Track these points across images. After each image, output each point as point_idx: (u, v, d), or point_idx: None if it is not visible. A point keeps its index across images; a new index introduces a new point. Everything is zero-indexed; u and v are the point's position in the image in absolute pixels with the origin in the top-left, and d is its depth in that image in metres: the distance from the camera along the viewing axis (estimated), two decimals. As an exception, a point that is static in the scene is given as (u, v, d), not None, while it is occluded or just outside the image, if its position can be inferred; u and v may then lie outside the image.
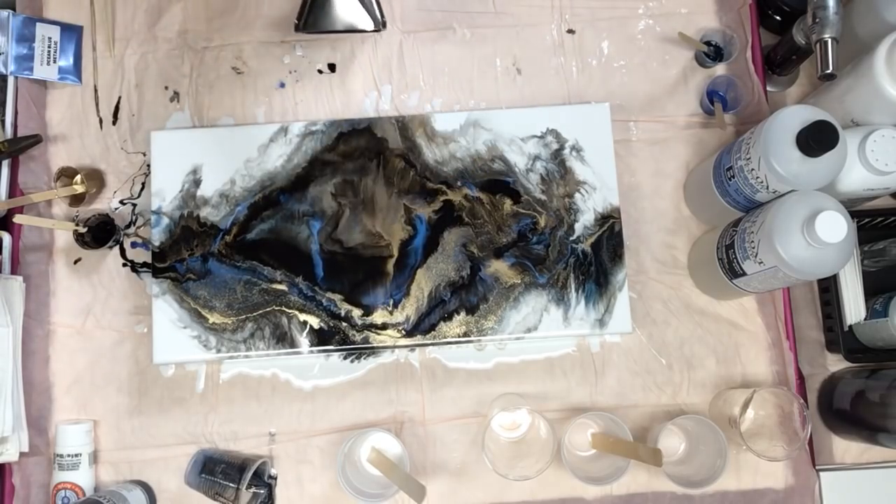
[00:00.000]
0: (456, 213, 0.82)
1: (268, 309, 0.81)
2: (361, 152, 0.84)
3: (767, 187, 0.73)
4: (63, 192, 0.84)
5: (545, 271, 0.81)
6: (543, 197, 0.83)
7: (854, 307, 0.84)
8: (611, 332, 0.82)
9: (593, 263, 0.82)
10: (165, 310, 0.80)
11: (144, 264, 0.86)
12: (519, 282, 0.81)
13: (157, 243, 0.82)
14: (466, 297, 0.81)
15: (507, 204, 0.83)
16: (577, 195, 0.83)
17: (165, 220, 0.82)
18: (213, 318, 0.80)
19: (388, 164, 0.83)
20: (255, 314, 0.81)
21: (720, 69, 0.91)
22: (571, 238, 0.82)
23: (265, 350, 0.80)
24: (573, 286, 0.81)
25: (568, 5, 0.92)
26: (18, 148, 0.86)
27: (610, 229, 0.82)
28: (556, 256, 0.82)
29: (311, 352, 0.81)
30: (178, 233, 0.82)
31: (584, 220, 0.82)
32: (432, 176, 0.83)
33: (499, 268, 0.82)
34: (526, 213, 0.82)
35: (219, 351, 0.80)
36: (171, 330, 0.80)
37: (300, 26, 0.82)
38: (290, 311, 0.81)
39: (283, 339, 0.80)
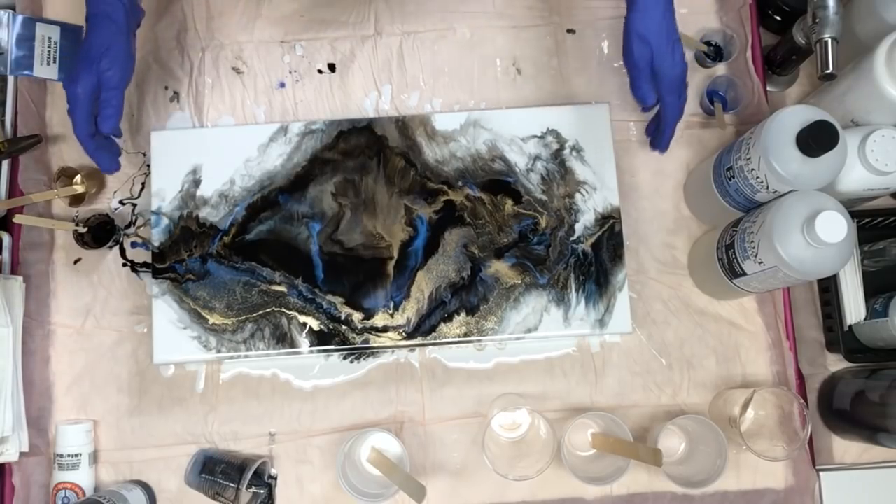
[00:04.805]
0: (457, 213, 0.82)
1: (267, 310, 0.81)
2: (361, 150, 0.84)
3: (767, 187, 0.73)
4: (63, 192, 0.84)
5: (546, 272, 0.81)
6: (544, 197, 0.83)
7: (854, 307, 0.84)
8: (611, 332, 0.82)
9: (593, 264, 0.82)
10: (165, 310, 0.80)
11: (144, 264, 0.86)
12: (519, 282, 0.81)
13: (156, 244, 0.82)
14: (467, 297, 0.81)
15: (509, 204, 0.83)
16: (577, 195, 0.83)
17: (165, 221, 0.82)
18: (213, 319, 0.80)
19: (389, 163, 0.83)
20: (254, 315, 0.81)
21: (720, 69, 0.91)
22: (572, 238, 0.82)
23: (265, 350, 0.80)
24: (573, 286, 0.81)
25: (568, 5, 0.92)
26: (18, 148, 0.86)
27: (610, 229, 0.82)
28: (557, 257, 0.82)
29: (311, 352, 0.81)
30: (178, 233, 0.82)
31: (585, 220, 0.82)
32: (433, 175, 0.83)
33: (499, 268, 0.81)
34: (527, 214, 0.82)
35: (219, 351, 0.80)
36: (171, 330, 0.80)
37: None
38: (289, 312, 0.80)
39: (283, 340, 0.80)
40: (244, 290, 0.81)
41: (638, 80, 0.74)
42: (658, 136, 0.83)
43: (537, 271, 0.81)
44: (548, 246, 0.82)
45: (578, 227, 0.82)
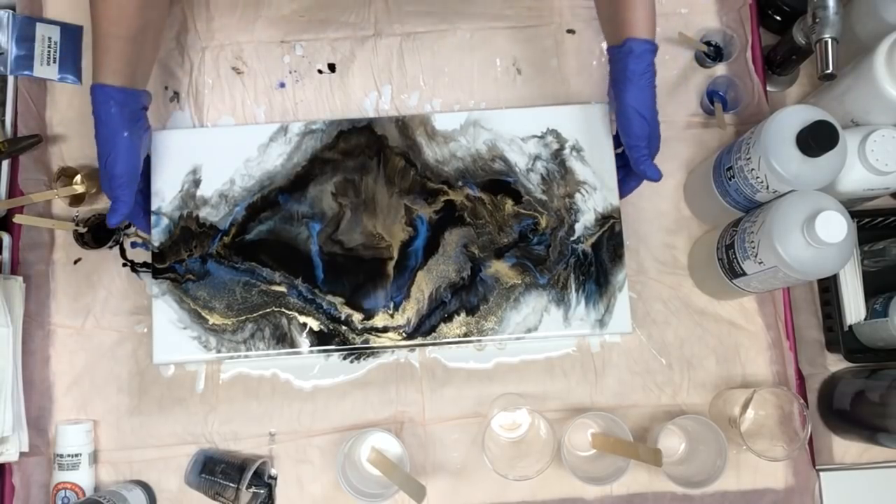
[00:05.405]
0: (457, 213, 0.82)
1: (267, 310, 0.80)
2: (362, 150, 0.84)
3: (767, 187, 0.73)
4: (63, 192, 0.84)
5: (546, 272, 0.81)
6: (544, 197, 0.83)
7: (854, 307, 0.84)
8: (611, 332, 0.81)
9: (593, 264, 0.81)
10: (165, 310, 0.80)
11: (144, 264, 0.86)
12: (519, 282, 0.81)
13: (156, 244, 0.81)
14: (467, 297, 0.81)
15: (509, 204, 0.82)
16: (577, 195, 0.83)
17: (165, 221, 0.82)
18: (213, 319, 0.80)
19: (389, 163, 0.83)
20: (254, 315, 0.80)
21: (720, 69, 0.91)
22: (572, 238, 0.82)
23: (265, 350, 0.80)
24: (573, 286, 0.81)
25: (568, 5, 0.92)
26: (18, 148, 0.86)
27: (610, 229, 0.82)
28: (557, 257, 0.82)
29: (312, 352, 0.80)
30: (178, 233, 0.82)
31: (585, 220, 0.82)
32: (433, 175, 0.83)
33: (499, 268, 0.81)
34: (527, 214, 0.82)
35: (219, 351, 0.80)
36: (172, 330, 0.80)
37: None
38: (289, 312, 0.80)
39: (283, 340, 0.80)
40: (244, 290, 0.81)
41: (643, 156, 0.75)
42: (621, 189, 0.83)
43: (537, 271, 0.81)
44: (548, 246, 0.82)
45: (578, 227, 0.82)
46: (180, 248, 0.81)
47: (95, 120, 0.73)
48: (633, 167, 0.76)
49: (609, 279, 0.81)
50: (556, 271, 0.81)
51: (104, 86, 0.73)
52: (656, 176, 0.75)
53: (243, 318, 0.80)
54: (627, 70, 0.73)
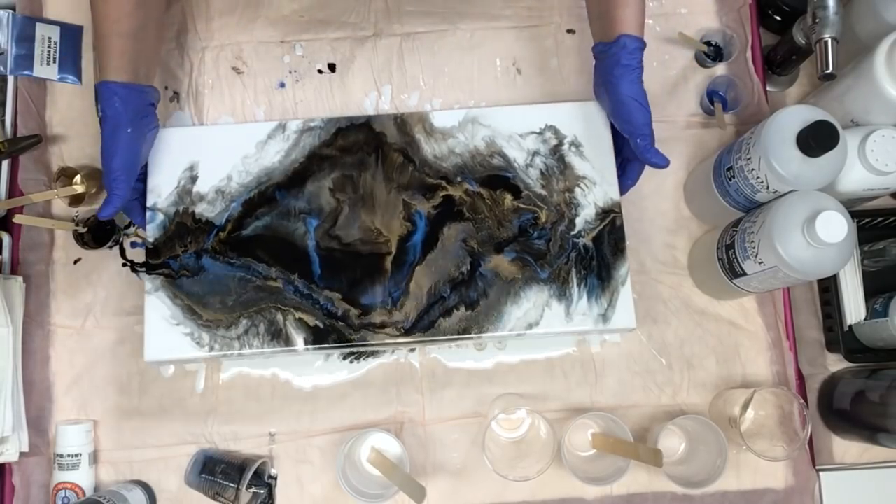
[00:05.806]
0: (456, 208, 0.82)
1: (262, 305, 0.79)
2: (360, 147, 0.83)
3: (767, 187, 0.73)
4: (63, 192, 0.84)
5: (546, 266, 0.81)
6: (544, 192, 0.82)
7: (854, 307, 0.84)
8: (614, 326, 0.80)
9: (595, 258, 0.81)
10: (158, 307, 0.78)
11: (144, 264, 0.86)
12: (519, 277, 0.80)
13: (151, 239, 0.81)
14: (466, 293, 0.80)
15: (508, 199, 0.82)
16: (577, 190, 0.82)
17: (160, 217, 0.81)
18: (207, 315, 0.79)
19: (387, 159, 0.83)
20: (249, 311, 0.79)
21: (720, 69, 0.91)
22: (572, 233, 0.81)
23: (259, 348, 0.78)
24: (575, 281, 0.80)
25: (568, 5, 0.92)
26: (18, 148, 0.86)
27: (611, 223, 0.81)
28: (558, 251, 0.81)
29: (307, 350, 0.79)
30: (173, 229, 0.81)
31: (585, 214, 0.82)
32: (431, 171, 0.83)
33: (499, 263, 0.81)
34: (527, 208, 0.82)
35: (212, 348, 0.78)
36: (164, 327, 0.78)
37: None
38: (285, 308, 0.79)
39: (278, 337, 0.78)
40: (239, 285, 0.80)
41: (647, 143, 0.75)
42: (621, 184, 0.83)
43: (538, 266, 0.80)
44: (548, 240, 0.81)
45: (579, 222, 0.81)
46: (175, 243, 0.81)
47: (101, 116, 0.74)
48: (639, 156, 0.76)
49: (611, 273, 0.80)
50: (556, 265, 0.80)
51: (108, 82, 0.74)
52: (663, 162, 0.75)
53: (237, 313, 0.79)
54: (620, 65, 0.74)
